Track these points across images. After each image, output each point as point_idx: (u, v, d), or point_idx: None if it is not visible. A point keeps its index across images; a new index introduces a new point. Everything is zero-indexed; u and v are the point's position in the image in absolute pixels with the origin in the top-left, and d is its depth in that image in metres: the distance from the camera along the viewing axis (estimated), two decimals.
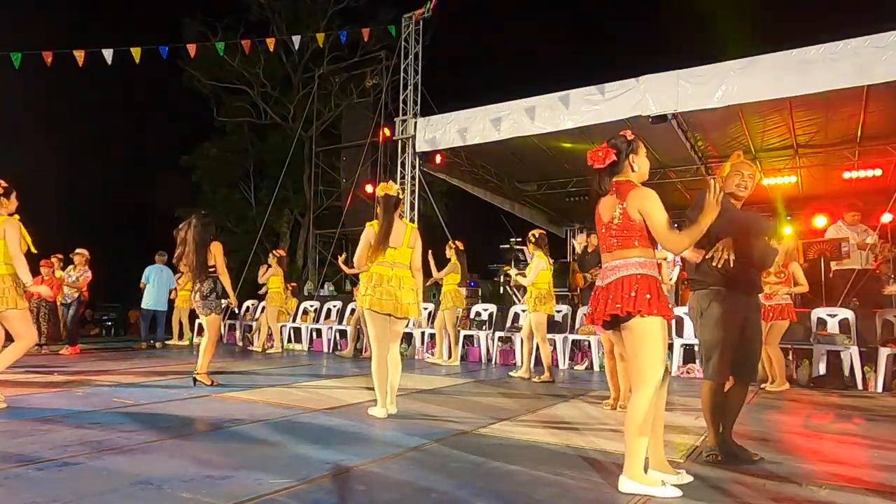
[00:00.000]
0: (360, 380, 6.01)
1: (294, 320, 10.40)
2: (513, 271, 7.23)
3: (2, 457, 2.87)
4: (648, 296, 2.55)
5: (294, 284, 11.45)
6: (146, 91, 20.22)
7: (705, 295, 3.08)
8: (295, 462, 2.93)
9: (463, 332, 8.55)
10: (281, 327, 9.64)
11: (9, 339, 4.38)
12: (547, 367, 6.30)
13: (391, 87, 13.01)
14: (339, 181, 15.57)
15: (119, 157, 22.13)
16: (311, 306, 10.61)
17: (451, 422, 4.02)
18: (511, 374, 6.96)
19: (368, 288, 4.15)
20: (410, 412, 4.31)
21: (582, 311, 8.18)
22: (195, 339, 10.20)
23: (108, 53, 9.34)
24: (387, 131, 12.55)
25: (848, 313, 6.65)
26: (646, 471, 2.60)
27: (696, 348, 7.01)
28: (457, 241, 8.29)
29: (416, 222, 9.77)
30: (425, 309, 8.96)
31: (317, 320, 10.31)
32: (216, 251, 5.45)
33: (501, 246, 12.73)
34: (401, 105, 10.79)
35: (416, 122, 10.36)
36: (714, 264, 2.95)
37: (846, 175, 10.51)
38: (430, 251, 7.60)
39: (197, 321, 9.86)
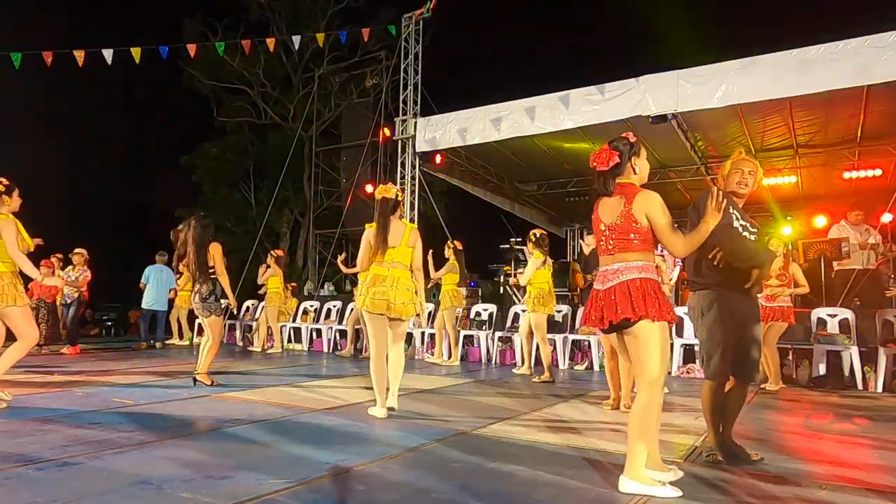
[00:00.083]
0: (360, 380, 6.01)
1: (294, 320, 10.40)
2: (512, 279, 7.27)
3: (2, 457, 2.88)
4: (652, 300, 2.56)
5: (294, 284, 11.45)
6: (146, 91, 20.25)
7: (706, 295, 3.08)
8: (295, 462, 2.93)
9: (463, 332, 8.55)
10: (281, 327, 9.64)
11: (10, 338, 4.38)
12: (547, 367, 6.30)
13: (391, 87, 13.01)
14: (339, 181, 15.57)
15: (119, 157, 22.15)
16: (311, 306, 10.61)
17: (451, 422, 4.02)
18: (514, 370, 7.04)
19: (364, 288, 4.22)
20: (410, 412, 4.31)
21: (582, 311, 8.18)
22: (195, 339, 10.20)
23: (108, 53, 9.34)
24: (387, 131, 12.55)
25: (848, 313, 6.65)
26: None
27: (696, 348, 7.04)
28: (455, 241, 8.29)
29: (416, 222, 9.77)
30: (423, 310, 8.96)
31: (317, 320, 10.31)
32: (215, 252, 5.45)
33: (501, 246, 12.74)
34: (401, 105, 10.79)
35: (416, 122, 10.36)
36: (715, 263, 2.95)
37: (846, 175, 10.52)
38: (430, 251, 7.61)
39: (197, 321, 9.87)
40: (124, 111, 22.24)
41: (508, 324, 8.49)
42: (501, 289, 12.07)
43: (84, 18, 21.06)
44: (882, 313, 6.50)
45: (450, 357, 7.99)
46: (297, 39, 13.29)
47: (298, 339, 10.22)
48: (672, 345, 6.99)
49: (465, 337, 8.58)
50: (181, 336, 10.47)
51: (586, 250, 7.92)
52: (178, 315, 10.44)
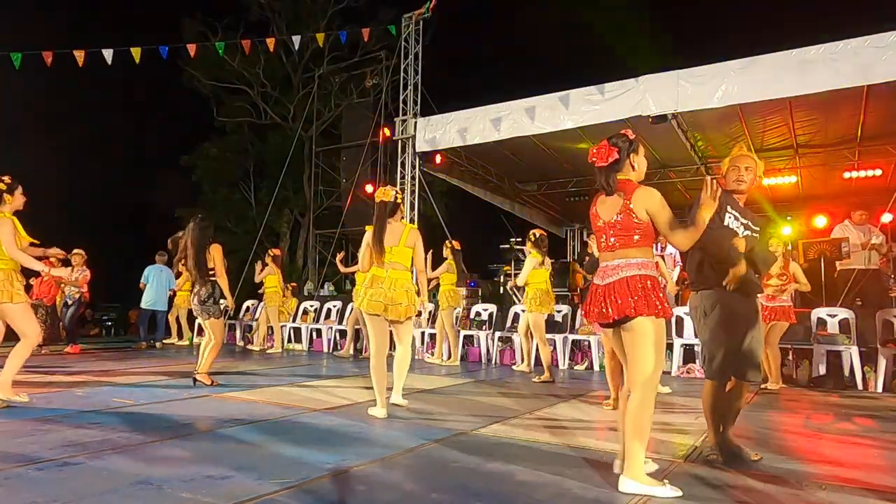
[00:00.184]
0: (360, 380, 6.01)
1: (294, 320, 10.41)
2: (511, 282, 7.30)
3: (2, 457, 2.88)
4: (651, 297, 2.57)
5: (294, 284, 11.46)
6: (146, 91, 20.24)
7: (709, 295, 3.08)
8: (295, 462, 2.93)
9: (463, 332, 8.55)
10: (281, 327, 9.64)
11: (10, 338, 4.37)
12: (547, 367, 6.30)
13: (391, 87, 13.01)
14: (339, 181, 15.57)
15: (119, 157, 22.14)
16: (311, 306, 10.61)
17: (451, 422, 4.02)
18: (514, 367, 7.12)
19: (363, 289, 4.25)
20: (410, 412, 4.31)
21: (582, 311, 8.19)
22: (195, 339, 10.20)
23: (108, 53, 9.34)
24: (387, 131, 12.55)
25: (848, 313, 6.65)
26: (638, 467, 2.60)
27: (696, 348, 7.05)
28: (453, 241, 8.30)
29: (416, 222, 9.77)
30: (423, 309, 8.97)
31: (317, 320, 10.31)
32: (216, 253, 5.45)
33: (501, 246, 12.74)
34: (401, 105, 10.78)
35: (416, 122, 10.35)
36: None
37: (846, 175, 10.52)
38: (429, 251, 7.61)
39: (197, 321, 9.87)
40: (124, 111, 22.26)
41: (508, 324, 8.49)
42: (501, 289, 12.07)
43: (84, 18, 21.08)
44: (882, 313, 6.50)
45: (450, 357, 7.99)
46: (297, 39, 13.28)
47: (298, 339, 10.22)
48: (672, 345, 7.00)
49: (465, 337, 8.58)
50: (180, 336, 10.47)
51: (596, 252, 7.92)
52: (177, 315, 10.45)
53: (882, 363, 6.16)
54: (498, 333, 8.46)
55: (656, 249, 6.43)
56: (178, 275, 9.86)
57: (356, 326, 8.84)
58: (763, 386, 5.96)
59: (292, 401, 4.73)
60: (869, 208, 8.17)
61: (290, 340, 10.23)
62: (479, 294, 11.56)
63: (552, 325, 7.91)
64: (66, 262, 9.08)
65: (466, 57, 21.51)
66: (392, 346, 4.48)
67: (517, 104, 9.00)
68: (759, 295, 3.30)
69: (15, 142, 15.69)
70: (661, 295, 2.61)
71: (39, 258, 4.42)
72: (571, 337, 7.98)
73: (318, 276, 14.77)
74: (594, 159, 2.76)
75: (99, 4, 23.54)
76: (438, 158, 10.70)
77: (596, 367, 7.55)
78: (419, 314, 4.51)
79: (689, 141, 9.46)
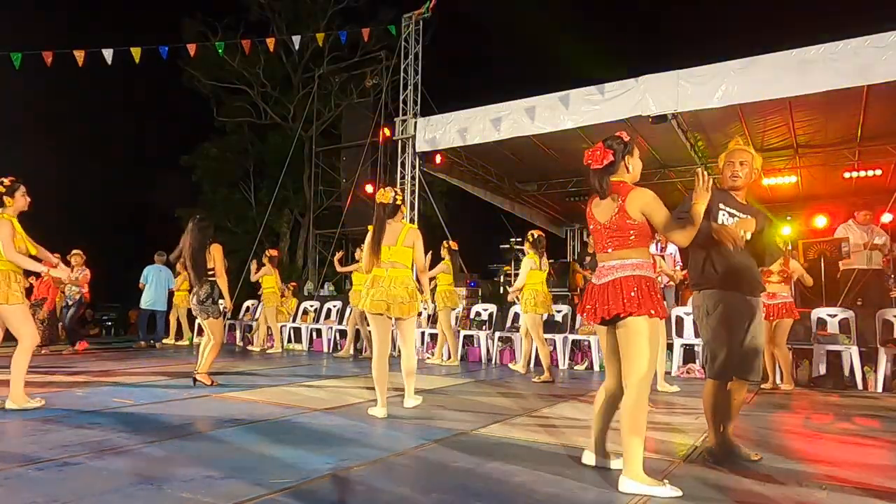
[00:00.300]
0: (361, 380, 6.01)
1: (294, 320, 10.41)
2: (510, 295, 7.28)
3: (2, 457, 2.88)
4: (646, 297, 2.60)
5: (294, 284, 11.46)
6: (146, 91, 20.24)
7: (712, 295, 3.08)
8: (295, 462, 2.93)
9: (463, 332, 8.55)
10: (280, 327, 9.64)
11: (10, 339, 4.36)
12: (546, 367, 6.30)
13: (391, 87, 13.00)
14: (339, 181, 15.57)
15: (119, 157, 22.13)
16: (311, 306, 10.61)
17: (451, 422, 4.02)
18: (509, 365, 7.15)
19: (364, 290, 4.27)
20: (411, 412, 4.31)
21: None
22: (195, 339, 10.20)
23: (108, 53, 9.34)
24: (387, 131, 12.55)
25: (848, 313, 6.65)
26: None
27: (697, 348, 7.05)
28: (451, 241, 8.31)
29: (416, 222, 9.77)
30: (425, 309, 8.97)
31: (317, 320, 10.31)
32: (216, 253, 5.45)
33: (501, 246, 12.74)
34: (401, 105, 10.78)
35: (416, 122, 10.35)
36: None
37: (846, 175, 10.52)
38: (429, 251, 7.61)
39: (196, 321, 9.87)
40: (124, 111, 22.26)
41: (508, 324, 8.49)
42: (501, 289, 12.07)
43: (84, 18, 21.08)
44: (882, 313, 6.50)
45: (449, 357, 7.99)
46: (297, 39, 13.28)
47: (298, 339, 10.22)
48: (672, 345, 7.00)
49: (465, 337, 8.58)
50: (180, 336, 10.47)
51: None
52: (177, 314, 10.45)
53: (882, 363, 6.16)
54: (498, 333, 8.46)
55: (657, 249, 6.43)
56: (178, 274, 9.89)
57: (356, 327, 8.84)
58: (762, 386, 5.96)
59: (292, 401, 4.73)
60: (869, 208, 8.17)
61: (290, 340, 10.23)
62: (479, 294, 11.57)
63: (552, 326, 7.91)
64: (65, 263, 9.12)
65: (466, 57, 21.52)
66: (393, 346, 4.49)
67: (517, 104, 9.00)
68: (762, 294, 3.29)
69: (15, 142, 15.70)
70: (657, 295, 2.64)
71: (39, 260, 4.40)
72: (571, 337, 7.97)
73: (319, 276, 14.76)
74: (589, 161, 2.78)
75: (99, 4, 23.57)
76: (438, 158, 10.70)
77: (596, 367, 7.55)
78: (420, 314, 4.51)
79: (689, 141, 9.46)
